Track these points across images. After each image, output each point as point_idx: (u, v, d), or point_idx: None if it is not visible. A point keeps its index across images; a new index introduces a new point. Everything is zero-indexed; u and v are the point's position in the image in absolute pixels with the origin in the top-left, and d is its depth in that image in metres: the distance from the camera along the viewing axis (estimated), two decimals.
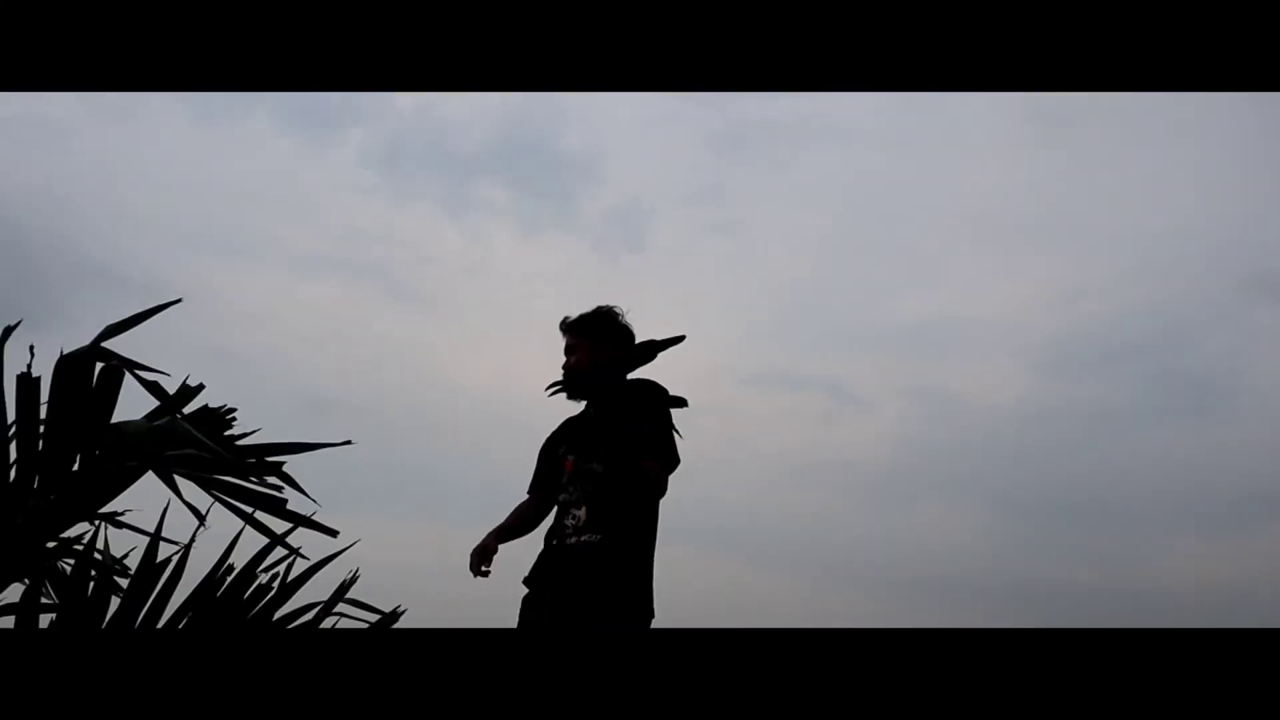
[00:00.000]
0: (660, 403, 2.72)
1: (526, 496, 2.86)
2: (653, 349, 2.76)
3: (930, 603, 9.96)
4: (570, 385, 2.74)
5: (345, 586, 2.17)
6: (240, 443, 2.09)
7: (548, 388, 2.77)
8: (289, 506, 2.10)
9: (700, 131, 12.19)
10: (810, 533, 10.60)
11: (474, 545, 2.67)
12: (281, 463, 2.00)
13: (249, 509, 1.99)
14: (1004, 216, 12.08)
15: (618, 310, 2.81)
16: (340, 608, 2.29)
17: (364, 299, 11.75)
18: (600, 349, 2.78)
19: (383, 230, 12.13)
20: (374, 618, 2.31)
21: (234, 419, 2.08)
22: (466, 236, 12.37)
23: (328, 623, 2.28)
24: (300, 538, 2.25)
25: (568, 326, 2.82)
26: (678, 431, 2.69)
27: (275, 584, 2.21)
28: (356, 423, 10.92)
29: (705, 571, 9.71)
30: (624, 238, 12.23)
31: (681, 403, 2.72)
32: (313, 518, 2.09)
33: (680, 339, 2.77)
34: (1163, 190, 11.32)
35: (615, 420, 2.68)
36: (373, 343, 11.76)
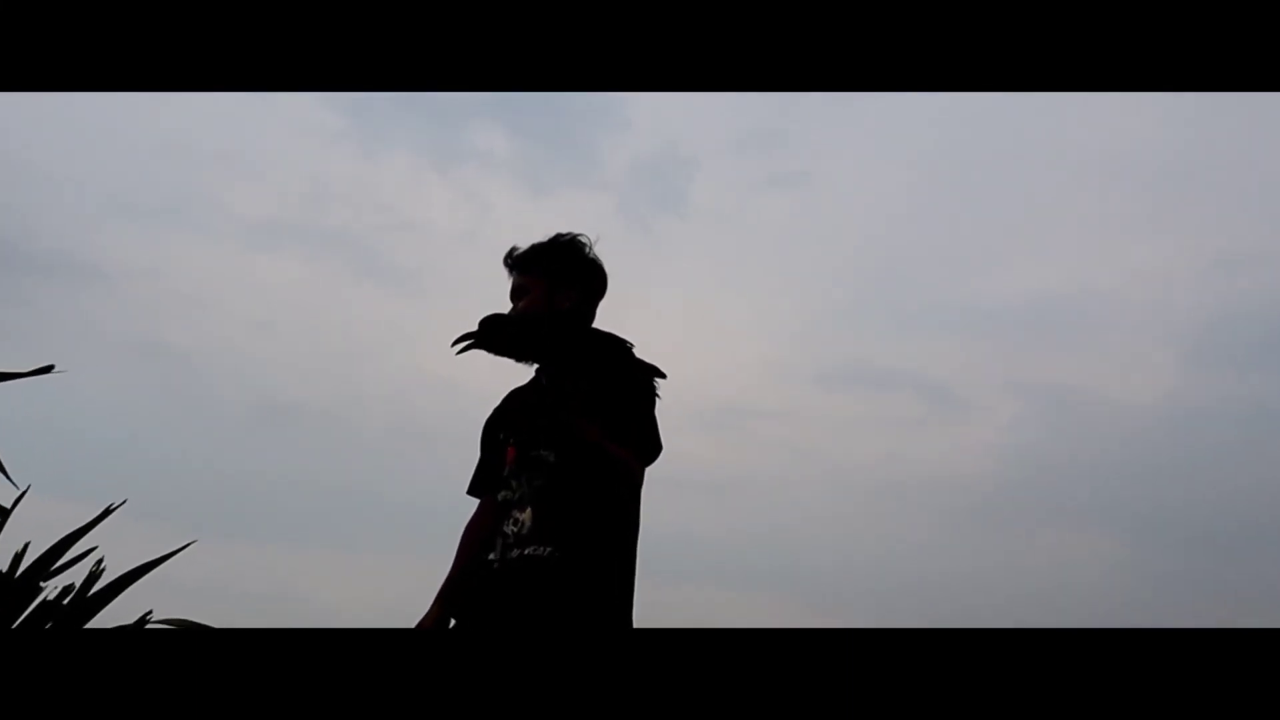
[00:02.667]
0: (638, 368, 2.02)
1: (477, 504, 2.18)
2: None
3: None
4: (498, 336, 2.00)
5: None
6: None
7: (455, 342, 1.99)
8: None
9: None
10: (899, 569, 8.60)
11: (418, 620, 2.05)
12: None
13: None
14: (1141, 163, 9.31)
15: (584, 240, 2.12)
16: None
17: (329, 275, 9.58)
18: (563, 292, 2.08)
19: (352, 188, 9.86)
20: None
21: None
22: (458, 196, 9.92)
23: None
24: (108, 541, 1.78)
25: (517, 260, 2.12)
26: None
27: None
28: (323, 430, 9.19)
29: (761, 620, 8.02)
30: (658, 196, 9.83)
31: (657, 373, 2.03)
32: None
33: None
34: None
35: (574, 388, 1.98)
36: (342, 330, 9.66)
